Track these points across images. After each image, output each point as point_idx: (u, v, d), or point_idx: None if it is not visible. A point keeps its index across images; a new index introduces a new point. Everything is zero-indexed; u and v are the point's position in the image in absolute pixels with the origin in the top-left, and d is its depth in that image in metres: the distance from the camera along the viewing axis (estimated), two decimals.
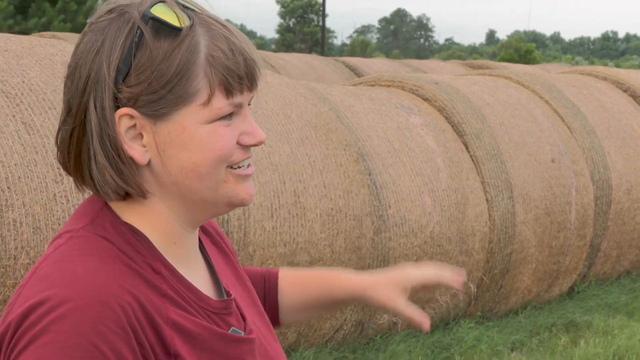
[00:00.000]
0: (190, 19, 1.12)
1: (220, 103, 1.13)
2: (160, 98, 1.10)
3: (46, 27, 20.67)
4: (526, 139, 5.86)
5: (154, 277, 1.12)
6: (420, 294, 5.08)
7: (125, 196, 1.16)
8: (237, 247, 4.16)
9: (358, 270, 4.67)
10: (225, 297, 1.25)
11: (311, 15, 63.87)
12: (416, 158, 5.17)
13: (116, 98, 1.10)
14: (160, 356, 1.08)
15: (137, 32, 1.10)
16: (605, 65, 43.42)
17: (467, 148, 5.52)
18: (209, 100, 1.12)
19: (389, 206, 4.85)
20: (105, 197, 1.15)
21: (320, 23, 51.35)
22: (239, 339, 1.19)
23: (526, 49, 46.79)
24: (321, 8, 56.79)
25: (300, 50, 53.66)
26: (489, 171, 5.47)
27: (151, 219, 1.17)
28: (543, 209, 5.72)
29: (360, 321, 4.87)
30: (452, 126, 5.60)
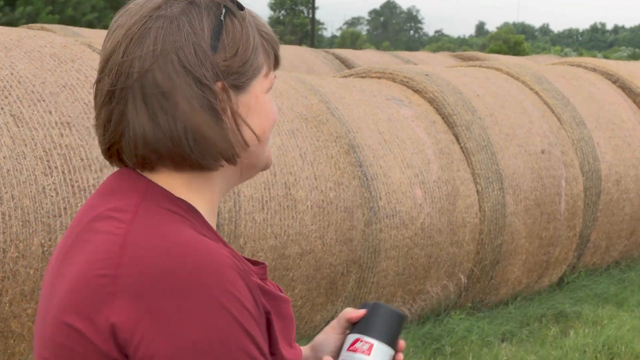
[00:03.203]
0: None
1: (273, 74, 1.29)
2: (245, 70, 1.23)
3: (33, 19, 20.56)
4: (516, 130, 5.87)
5: None
6: (411, 286, 5.09)
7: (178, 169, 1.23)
8: (227, 240, 4.16)
9: (349, 262, 4.68)
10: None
11: (301, 7, 63.76)
12: (407, 150, 5.18)
13: (214, 72, 1.20)
14: (262, 312, 1.17)
15: (220, 13, 1.21)
16: (594, 56, 43.54)
17: (457, 139, 5.53)
18: (268, 72, 1.28)
19: (380, 198, 4.86)
20: (204, 165, 1.21)
21: (310, 15, 51.25)
22: (287, 300, 1.28)
23: (515, 40, 46.84)
24: (311, 0, 56.65)
25: (290, 42, 53.56)
26: (479, 162, 5.48)
27: (205, 192, 1.25)
28: (533, 200, 5.73)
29: None
30: (443, 118, 5.61)
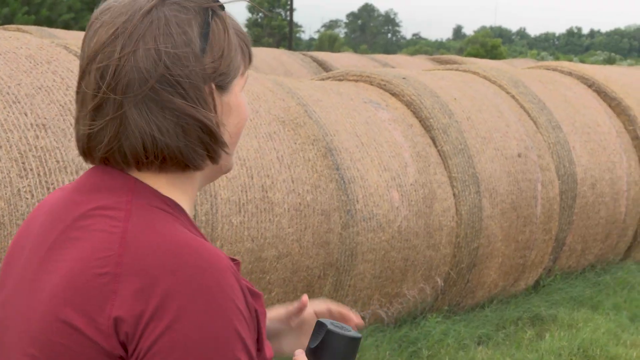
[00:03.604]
0: None
1: (246, 73, 1.31)
2: (229, 71, 1.24)
3: (9, 20, 20.38)
4: (493, 133, 5.89)
5: None
6: (388, 289, 5.10)
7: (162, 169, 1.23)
8: None
9: (326, 265, 4.67)
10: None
11: (279, 10, 63.73)
12: (384, 153, 5.18)
13: (204, 75, 1.20)
14: (253, 313, 1.18)
15: (208, 16, 1.22)
16: (570, 60, 43.86)
17: (434, 143, 5.54)
18: (244, 71, 1.29)
19: (357, 201, 4.86)
20: (195, 167, 1.22)
21: (288, 17, 51.26)
22: (261, 295, 1.29)
23: (492, 44, 47.09)
24: (288, 2, 56.65)
25: (268, 45, 53.54)
26: (456, 166, 5.49)
27: (188, 190, 1.26)
28: (509, 203, 5.76)
29: None
30: (420, 121, 5.62)
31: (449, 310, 5.58)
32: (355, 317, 1.58)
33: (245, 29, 1.33)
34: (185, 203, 1.26)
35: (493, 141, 5.85)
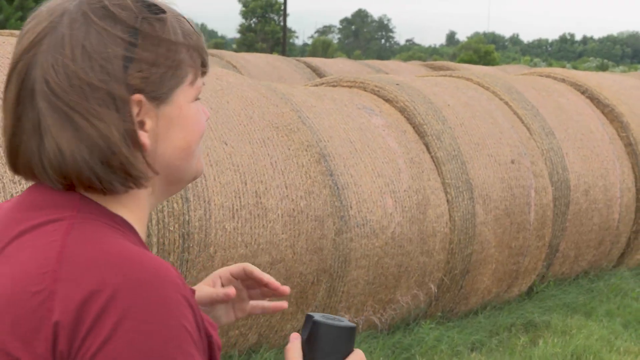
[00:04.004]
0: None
1: (200, 81, 1.20)
2: (164, 80, 1.14)
3: (3, 25, 20.36)
4: (486, 140, 5.90)
5: None
6: (381, 295, 5.09)
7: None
8: (197, 248, 4.13)
9: (319, 271, 4.67)
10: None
11: (272, 15, 63.77)
12: (378, 159, 5.18)
13: (128, 86, 1.11)
14: (204, 336, 1.10)
15: (134, 19, 1.12)
16: (563, 67, 43.96)
17: (428, 149, 5.54)
18: (195, 79, 1.18)
19: (351, 207, 4.85)
20: (109, 188, 1.12)
21: (282, 23, 51.29)
22: (215, 325, 1.22)
23: (486, 50, 47.20)
24: (282, 8, 56.67)
25: (262, 50, 53.55)
26: (449, 172, 5.49)
27: (136, 210, 1.18)
28: (503, 209, 5.76)
29: None
30: (414, 127, 5.62)
31: (442, 316, 5.57)
32: (273, 282, 1.45)
33: (197, 34, 1.21)
34: (134, 223, 1.17)
35: (486, 147, 5.85)
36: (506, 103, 6.58)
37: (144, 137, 1.13)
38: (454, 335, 5.15)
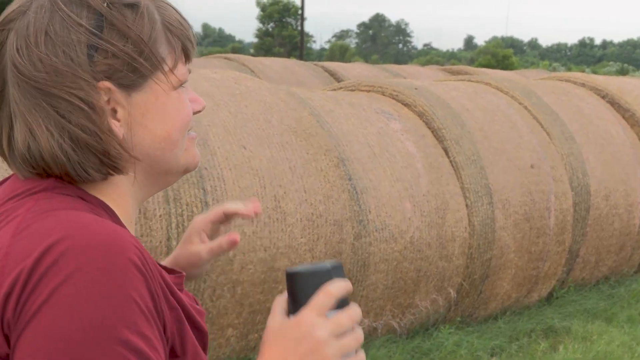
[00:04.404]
0: None
1: (183, 69, 1.16)
2: (135, 67, 1.11)
3: None
4: (505, 144, 5.87)
5: None
6: (400, 299, 5.08)
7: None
8: None
9: None
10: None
11: (289, 19, 63.88)
12: (396, 163, 5.17)
13: (93, 72, 1.09)
14: (165, 307, 1.07)
15: (100, 6, 1.10)
16: (583, 71, 43.76)
17: (447, 153, 5.52)
18: (174, 66, 1.15)
19: (369, 211, 4.84)
20: (84, 177, 1.11)
21: (299, 27, 51.37)
22: (201, 311, 1.21)
23: (504, 54, 47.05)
24: (299, 12, 56.76)
25: (279, 55, 53.64)
26: (468, 177, 5.47)
27: (115, 197, 1.15)
28: (522, 214, 5.73)
29: None
30: (432, 131, 5.60)
31: (461, 321, 5.55)
32: (245, 210, 1.46)
33: (185, 23, 1.18)
34: (115, 208, 1.14)
35: (506, 152, 5.83)
36: (525, 107, 6.54)
37: (115, 125, 1.11)
38: (474, 341, 5.12)
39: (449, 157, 5.52)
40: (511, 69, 34.09)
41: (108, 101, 1.10)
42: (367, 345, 4.94)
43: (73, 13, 1.09)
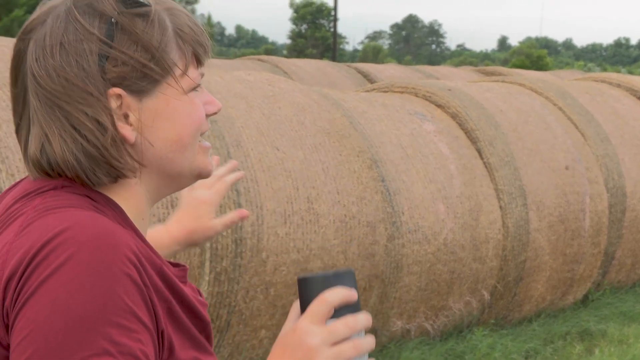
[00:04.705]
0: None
1: (194, 73, 1.20)
2: (145, 74, 1.15)
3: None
4: (540, 145, 5.83)
5: None
6: (434, 301, 5.06)
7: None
8: (250, 254, 4.15)
9: (371, 277, 4.65)
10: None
11: (322, 21, 63.93)
12: (429, 164, 5.15)
13: (104, 80, 1.14)
14: (158, 300, 1.11)
15: (112, 15, 1.14)
16: (618, 71, 43.30)
17: (480, 155, 5.50)
18: (185, 71, 1.19)
19: (403, 213, 4.83)
20: (95, 181, 1.16)
21: (332, 28, 51.40)
22: (204, 303, 1.24)
23: (538, 55, 46.69)
24: (332, 13, 56.77)
25: (312, 56, 53.69)
26: (502, 178, 5.44)
27: (124, 194, 1.19)
28: (557, 216, 5.68)
29: (374, 328, 4.85)
30: (466, 133, 5.58)
31: (495, 323, 5.52)
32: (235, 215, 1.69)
33: (197, 28, 1.21)
34: (123, 205, 1.18)
35: (540, 153, 5.78)
36: (560, 108, 6.49)
37: (126, 130, 1.15)
38: (508, 343, 5.09)
39: (482, 159, 5.49)
40: (545, 70, 33.80)
41: (120, 106, 1.15)
42: (400, 347, 4.93)
43: (86, 22, 1.13)
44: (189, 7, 31.58)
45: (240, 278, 4.13)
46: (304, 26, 64.29)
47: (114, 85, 1.14)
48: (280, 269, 4.27)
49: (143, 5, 1.16)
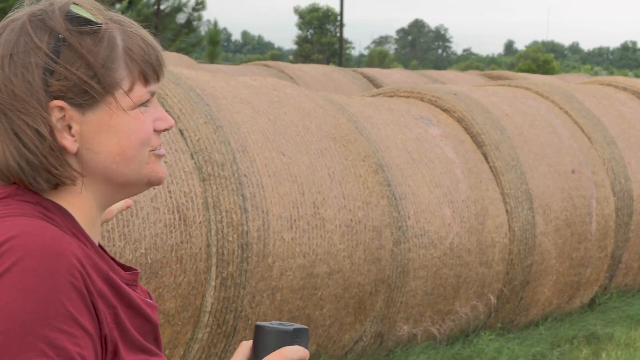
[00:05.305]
0: (103, 17, 1.25)
1: (141, 91, 1.25)
2: (88, 89, 1.21)
3: None
4: (546, 149, 5.83)
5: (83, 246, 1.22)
6: (440, 306, 5.06)
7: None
8: (256, 259, 4.16)
9: (378, 281, 4.65)
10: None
11: (328, 26, 64.00)
12: (435, 169, 5.16)
13: (46, 93, 1.19)
14: (103, 306, 1.16)
15: (60, 32, 1.20)
16: (625, 75, 43.16)
17: (486, 159, 5.50)
18: (131, 89, 1.24)
19: (409, 217, 4.84)
20: (37, 187, 1.22)
21: (338, 34, 51.45)
22: (153, 305, 1.29)
23: (544, 59, 46.61)
24: (338, 19, 56.85)
25: (318, 61, 53.72)
26: (508, 182, 5.44)
27: (73, 202, 1.25)
28: (563, 220, 5.68)
29: (380, 333, 4.85)
30: (472, 137, 5.59)
31: (502, 327, 5.51)
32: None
33: (152, 45, 1.27)
34: (72, 211, 1.24)
35: (546, 157, 5.78)
36: (566, 112, 6.49)
37: (67, 140, 1.21)
38: (515, 347, 5.08)
39: (488, 163, 5.49)
40: (552, 74, 33.76)
41: (63, 117, 1.21)
42: (406, 352, 4.93)
43: (36, 37, 1.20)
44: (196, 14, 31.61)
45: (246, 283, 4.14)
46: (310, 31, 64.37)
47: (56, 98, 1.20)
48: (287, 273, 4.28)
49: (93, 23, 1.22)
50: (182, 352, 4.08)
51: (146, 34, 1.28)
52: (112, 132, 1.23)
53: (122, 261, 3.74)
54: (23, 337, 1.06)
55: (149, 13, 28.41)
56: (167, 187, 3.96)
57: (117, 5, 24.69)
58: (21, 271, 1.08)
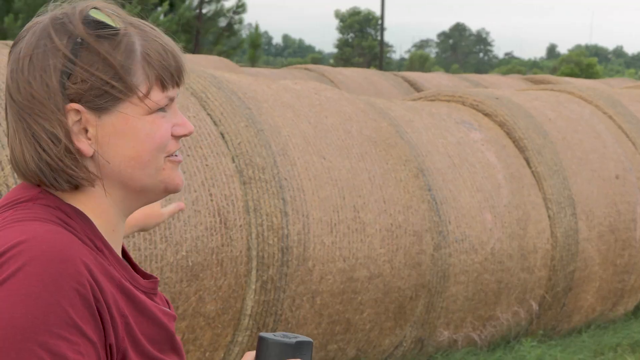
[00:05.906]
0: (123, 22, 1.26)
1: (158, 96, 1.25)
2: (104, 93, 1.22)
3: (4, 36, 21.11)
4: (589, 154, 5.76)
5: (96, 252, 1.21)
6: (481, 311, 5.02)
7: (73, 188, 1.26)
8: (296, 262, 4.17)
9: (418, 286, 4.63)
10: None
11: (369, 30, 63.97)
12: (476, 174, 5.12)
13: (63, 96, 1.21)
14: (112, 315, 1.16)
15: (79, 35, 1.22)
16: None
17: (528, 164, 5.45)
18: (148, 94, 1.24)
19: (449, 222, 4.81)
20: (58, 188, 1.23)
21: (379, 37, 51.40)
22: (171, 315, 1.29)
23: (588, 63, 46.09)
24: (379, 22, 56.80)
25: (359, 65, 53.69)
26: (551, 187, 5.39)
27: (93, 206, 1.26)
28: (607, 226, 5.61)
29: (420, 338, 4.83)
30: (514, 142, 5.54)
31: (544, 334, 5.45)
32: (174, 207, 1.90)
33: (174, 50, 1.28)
34: (91, 216, 1.25)
35: (589, 162, 5.72)
36: (610, 117, 6.41)
37: (83, 143, 1.22)
38: (557, 354, 5.03)
39: (530, 168, 5.44)
40: (595, 78, 33.37)
41: (80, 120, 1.22)
42: (446, 357, 4.90)
43: (56, 39, 1.21)
44: (237, 17, 31.81)
45: (286, 287, 4.15)
46: (351, 35, 64.40)
47: (73, 101, 1.21)
48: (327, 277, 4.28)
49: (111, 28, 1.23)
50: (222, 355, 4.09)
51: (168, 40, 1.28)
52: (127, 136, 1.24)
53: (163, 264, 3.78)
54: (22, 343, 1.07)
55: (191, 16, 28.64)
56: (208, 190, 3.98)
57: (159, 9, 24.93)
58: (26, 276, 1.09)
